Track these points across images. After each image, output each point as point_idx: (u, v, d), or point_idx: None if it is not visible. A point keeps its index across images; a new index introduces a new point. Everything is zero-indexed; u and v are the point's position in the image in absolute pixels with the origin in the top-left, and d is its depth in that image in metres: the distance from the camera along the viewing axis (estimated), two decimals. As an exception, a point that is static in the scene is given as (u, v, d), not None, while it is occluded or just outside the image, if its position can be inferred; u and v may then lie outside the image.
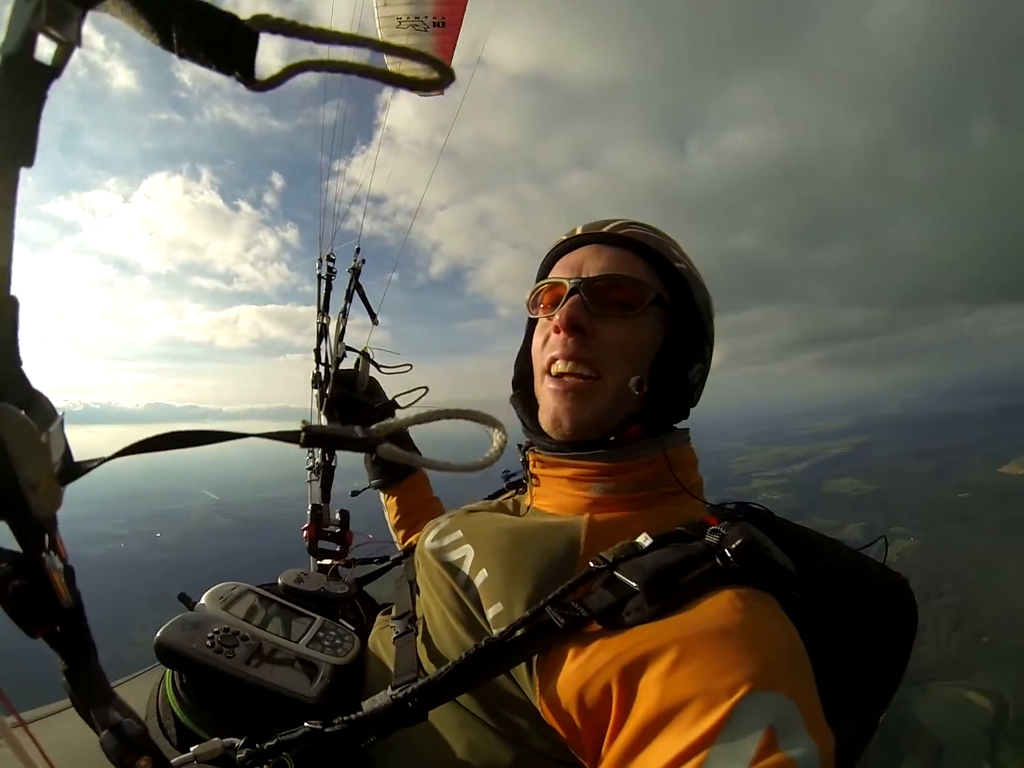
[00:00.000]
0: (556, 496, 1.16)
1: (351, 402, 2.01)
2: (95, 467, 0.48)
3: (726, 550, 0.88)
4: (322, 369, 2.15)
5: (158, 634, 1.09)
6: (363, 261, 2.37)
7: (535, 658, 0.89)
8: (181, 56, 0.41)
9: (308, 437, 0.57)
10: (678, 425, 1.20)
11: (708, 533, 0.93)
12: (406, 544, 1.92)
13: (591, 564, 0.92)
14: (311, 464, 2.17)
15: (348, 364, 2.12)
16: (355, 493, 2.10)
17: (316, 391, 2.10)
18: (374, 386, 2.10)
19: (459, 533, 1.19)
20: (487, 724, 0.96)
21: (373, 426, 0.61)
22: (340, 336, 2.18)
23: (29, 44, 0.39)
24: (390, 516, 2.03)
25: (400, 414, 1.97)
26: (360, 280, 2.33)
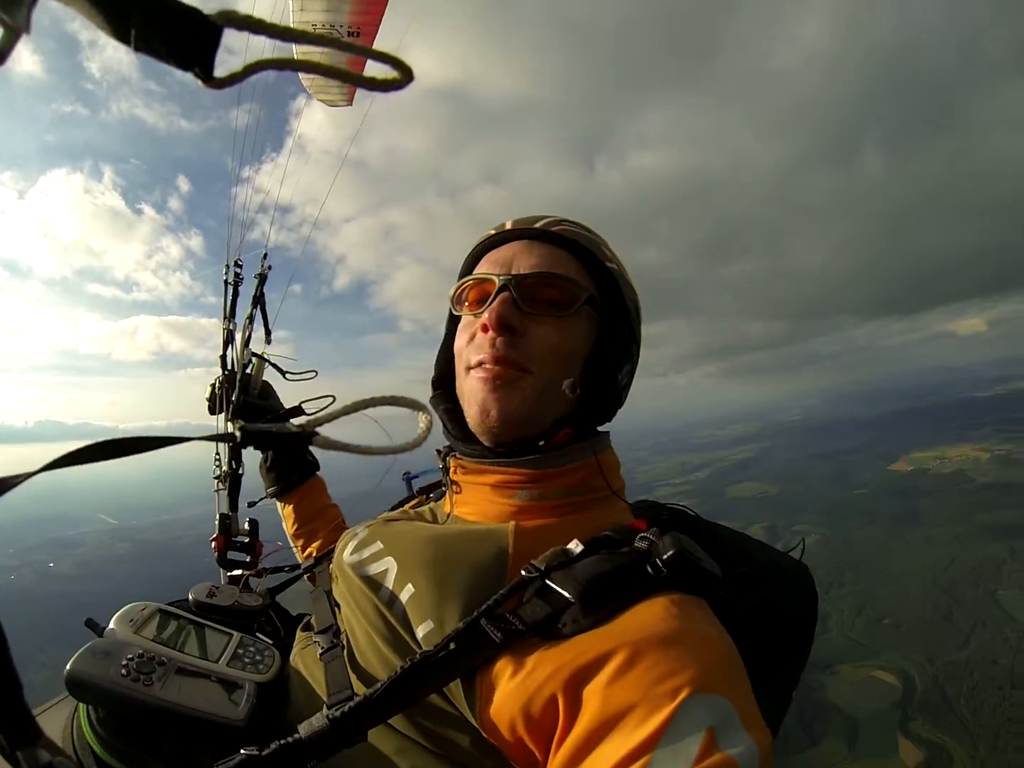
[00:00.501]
0: (479, 504, 1.12)
1: (248, 406, 1.95)
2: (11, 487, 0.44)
3: (658, 560, 0.88)
4: (222, 375, 2.07)
5: (68, 666, 0.99)
6: (270, 268, 2.34)
7: (473, 675, 0.86)
8: (138, 50, 0.38)
9: (245, 435, 0.55)
10: (602, 428, 1.18)
11: (638, 539, 0.94)
12: (307, 554, 1.88)
13: (523, 573, 0.90)
14: (217, 473, 2.08)
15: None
16: (252, 504, 2.03)
17: (218, 394, 2.02)
18: (267, 390, 2.05)
19: (379, 544, 1.12)
20: (427, 748, 0.92)
21: (304, 418, 0.60)
22: (246, 342, 2.14)
23: None
24: (287, 525, 1.97)
25: (309, 408, 1.94)
26: (264, 291, 2.29)
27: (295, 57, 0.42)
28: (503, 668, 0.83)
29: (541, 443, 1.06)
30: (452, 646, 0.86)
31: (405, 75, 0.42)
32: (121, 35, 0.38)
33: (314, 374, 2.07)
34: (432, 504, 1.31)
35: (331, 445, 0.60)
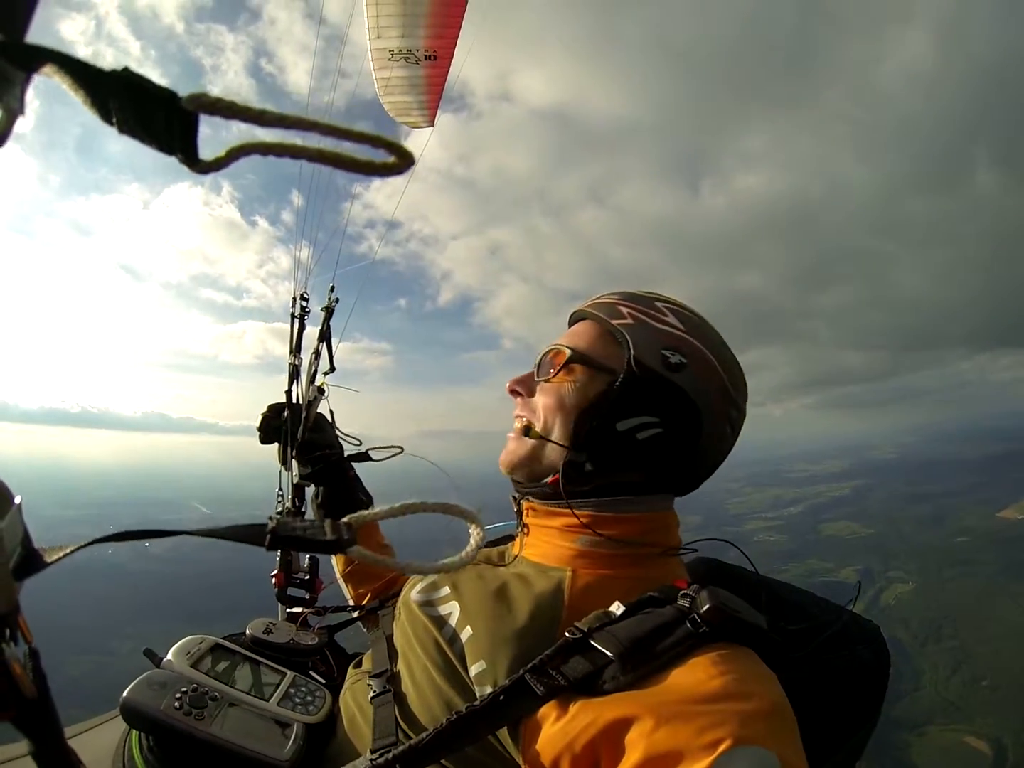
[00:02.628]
0: (543, 546, 1.23)
1: (304, 444, 1.98)
2: (60, 559, 0.46)
3: (696, 615, 0.93)
4: (275, 411, 2.09)
5: (124, 693, 1.06)
6: (336, 300, 2.34)
7: (517, 723, 0.92)
8: (121, 132, 0.39)
9: (273, 539, 0.53)
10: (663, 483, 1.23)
11: (679, 597, 0.99)
12: (358, 594, 1.90)
13: (567, 634, 0.97)
14: (280, 510, 2.11)
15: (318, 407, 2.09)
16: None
17: (284, 428, 2.03)
18: (321, 423, 2.08)
19: (447, 589, 1.23)
20: None
21: (345, 519, 0.57)
22: (312, 378, 2.15)
23: None
24: (338, 565, 1.98)
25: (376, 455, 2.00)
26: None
27: (288, 141, 0.40)
28: (546, 714, 0.89)
29: (547, 480, 1.22)
30: (499, 699, 0.92)
31: (404, 160, 0.41)
32: (105, 118, 0.38)
33: (399, 450, 2.00)
34: (502, 547, 1.42)
35: (367, 557, 0.58)
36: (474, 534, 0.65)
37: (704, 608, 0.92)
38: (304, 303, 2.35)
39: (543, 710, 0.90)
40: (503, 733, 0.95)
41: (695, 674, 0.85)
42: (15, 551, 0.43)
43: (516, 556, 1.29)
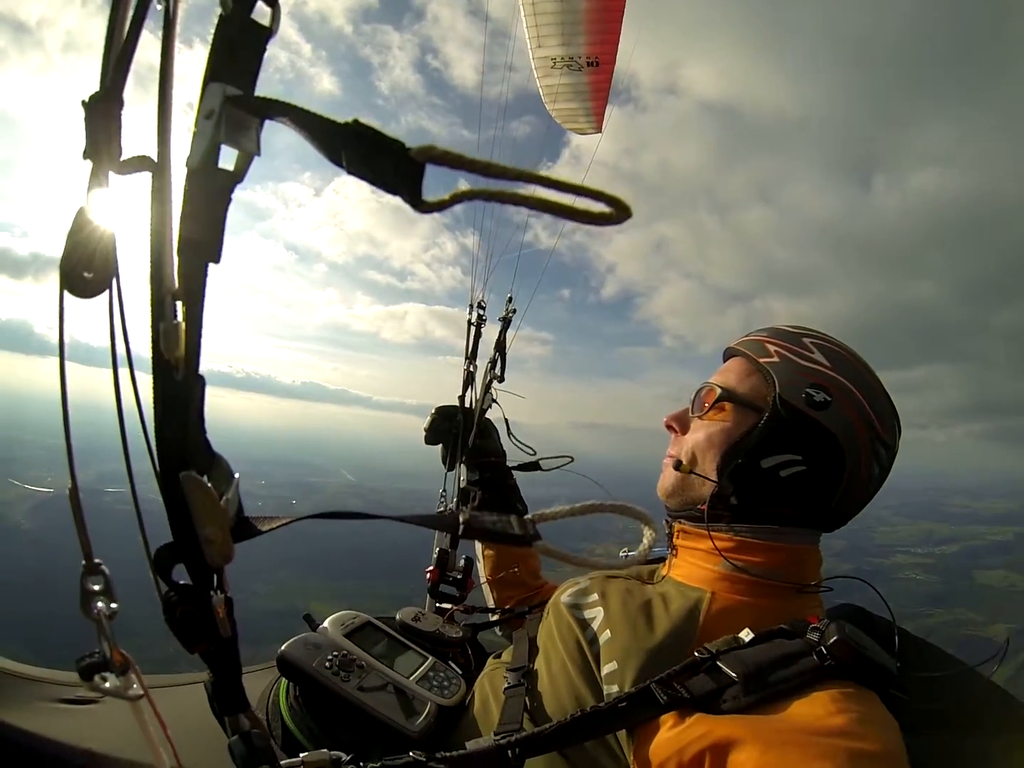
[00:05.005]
0: (688, 567, 1.28)
1: (473, 450, 2.07)
2: (270, 530, 0.54)
3: (822, 647, 0.94)
4: (447, 415, 2.15)
5: (282, 648, 1.21)
6: (514, 311, 2.38)
7: (635, 727, 0.97)
8: (349, 173, 0.43)
9: (467, 529, 0.60)
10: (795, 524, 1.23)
11: (809, 631, 1.00)
12: (502, 598, 1.98)
13: (696, 654, 1.01)
14: (443, 510, 2.17)
15: (490, 413, 2.16)
16: (455, 542, 2.08)
17: (453, 432, 2.11)
18: (487, 428, 2.15)
19: (595, 596, 1.30)
20: None
21: (528, 516, 0.63)
22: (487, 386, 2.21)
23: (212, 157, 0.45)
24: (485, 568, 2.05)
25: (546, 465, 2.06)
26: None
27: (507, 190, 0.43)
28: (666, 719, 0.93)
29: (699, 507, 1.27)
30: (623, 704, 0.96)
31: (622, 212, 0.42)
32: (335, 160, 0.43)
33: (570, 459, 2.01)
34: (654, 567, 1.47)
35: (550, 552, 0.63)
36: (647, 535, 0.68)
37: (831, 641, 0.93)
38: (481, 311, 2.42)
39: (663, 717, 0.94)
40: (621, 733, 1.00)
41: (814, 708, 0.86)
42: (233, 518, 0.51)
43: (663, 576, 1.35)
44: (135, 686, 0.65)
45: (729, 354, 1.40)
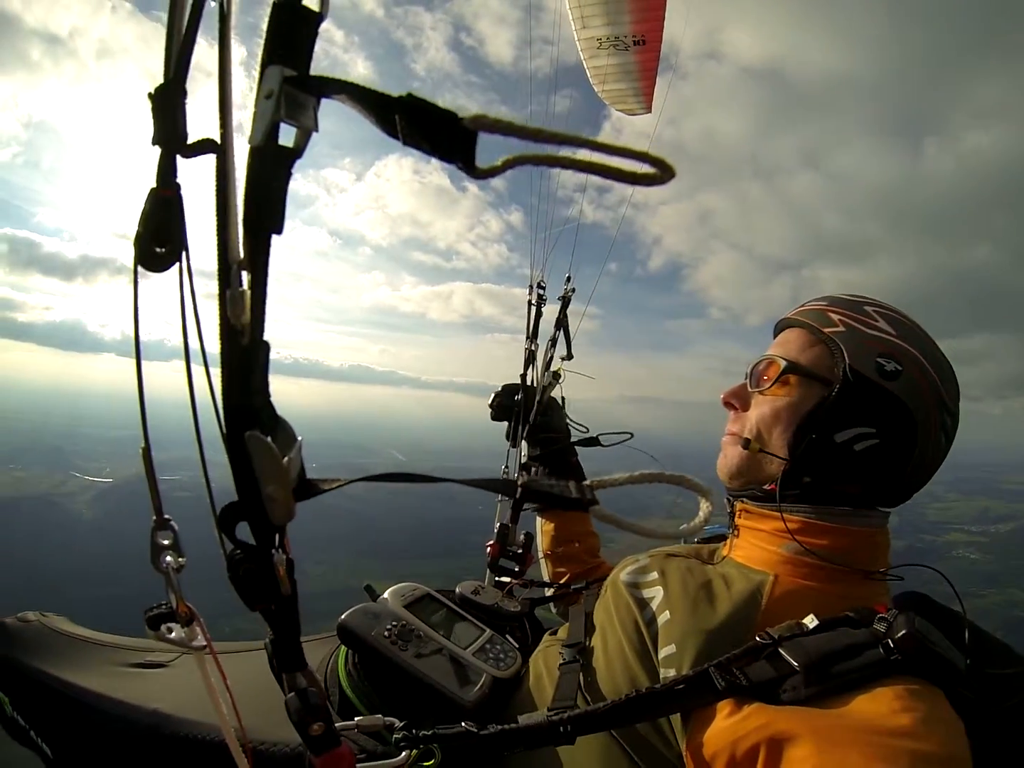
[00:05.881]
0: (751, 548, 1.24)
1: (535, 426, 2.11)
2: (326, 491, 0.57)
3: (890, 640, 0.90)
4: (508, 393, 2.22)
5: (343, 616, 1.26)
6: (573, 291, 2.40)
7: (691, 711, 0.95)
8: (405, 144, 0.46)
9: (525, 492, 0.63)
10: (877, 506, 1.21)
11: (876, 621, 0.96)
12: (558, 573, 2.00)
13: (758, 638, 0.98)
14: None
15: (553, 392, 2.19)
16: (520, 512, 2.10)
17: (516, 410, 2.16)
18: (552, 406, 2.19)
19: (655, 574, 1.28)
20: (630, 757, 1.03)
21: (586, 481, 0.64)
22: (547, 364, 2.25)
23: (272, 135, 0.47)
24: (544, 542, 2.07)
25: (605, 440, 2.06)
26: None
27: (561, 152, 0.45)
28: (722, 707, 0.91)
29: (764, 488, 1.23)
30: (680, 686, 0.95)
31: (665, 173, 0.43)
32: (391, 133, 0.46)
33: (629, 436, 2.00)
34: (712, 545, 1.43)
35: (605, 518, 0.65)
36: (703, 508, 0.69)
37: (899, 635, 0.89)
38: (541, 291, 2.45)
39: (719, 704, 0.92)
40: (675, 717, 0.98)
41: (877, 705, 0.83)
42: (295, 478, 0.54)
43: (724, 557, 1.32)
44: (199, 638, 0.70)
45: (784, 325, 1.34)
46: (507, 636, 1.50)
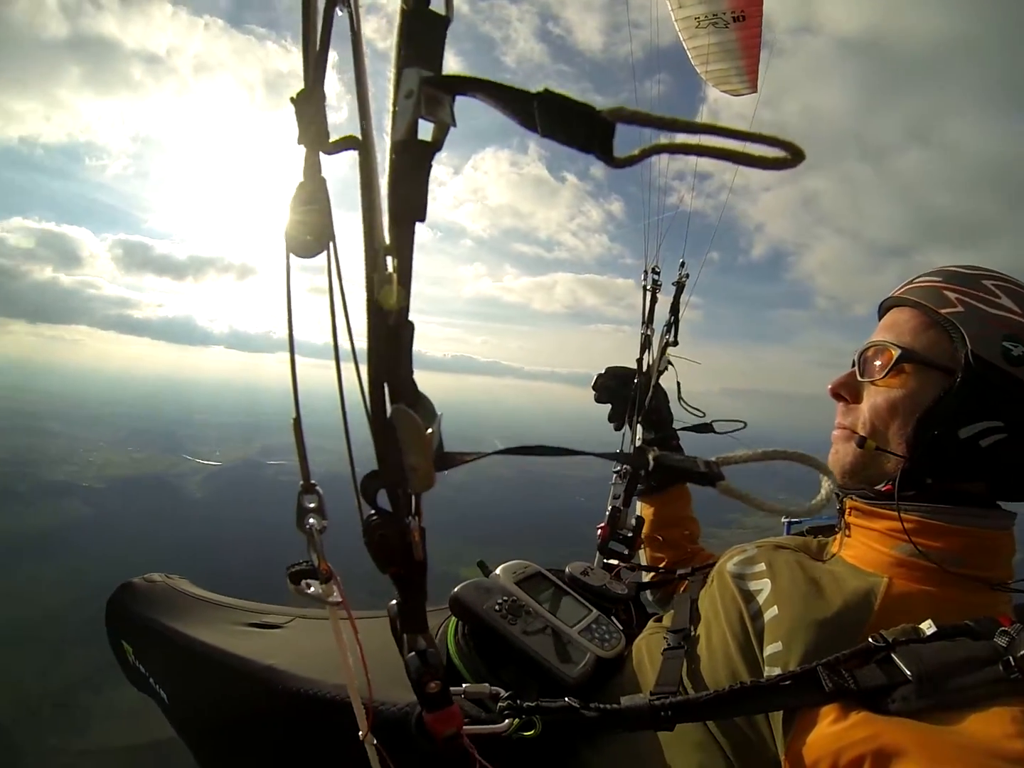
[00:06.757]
0: (862, 548, 1.18)
1: (648, 411, 2.12)
2: (468, 461, 0.61)
3: (1011, 658, 0.82)
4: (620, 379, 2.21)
5: (456, 589, 1.32)
6: (687, 276, 2.39)
7: (795, 710, 0.92)
8: (543, 136, 0.48)
9: (656, 464, 0.65)
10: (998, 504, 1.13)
11: (997, 634, 0.87)
12: (656, 558, 2.01)
13: (870, 640, 0.92)
14: (618, 468, 2.20)
15: (665, 378, 2.22)
16: (627, 500, 2.11)
17: (632, 396, 2.17)
18: (657, 392, 2.18)
19: (762, 566, 1.24)
20: (724, 753, 1.00)
21: (713, 458, 0.65)
22: (663, 349, 2.26)
23: (413, 130, 0.51)
24: (644, 527, 2.06)
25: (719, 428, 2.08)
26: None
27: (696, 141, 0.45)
28: (827, 712, 0.87)
29: (880, 487, 1.17)
30: (785, 682, 0.92)
31: (796, 157, 0.43)
32: (528, 126, 0.48)
33: (743, 425, 2.00)
34: (821, 539, 1.38)
35: (732, 493, 0.66)
36: (824, 486, 0.68)
37: (1022, 653, 0.82)
38: (656, 276, 2.45)
39: (823, 709, 0.88)
40: (776, 716, 0.95)
41: (991, 726, 0.77)
42: (436, 450, 0.57)
43: (833, 555, 1.25)
44: (335, 595, 0.76)
45: (891, 305, 1.24)
46: (612, 618, 1.52)
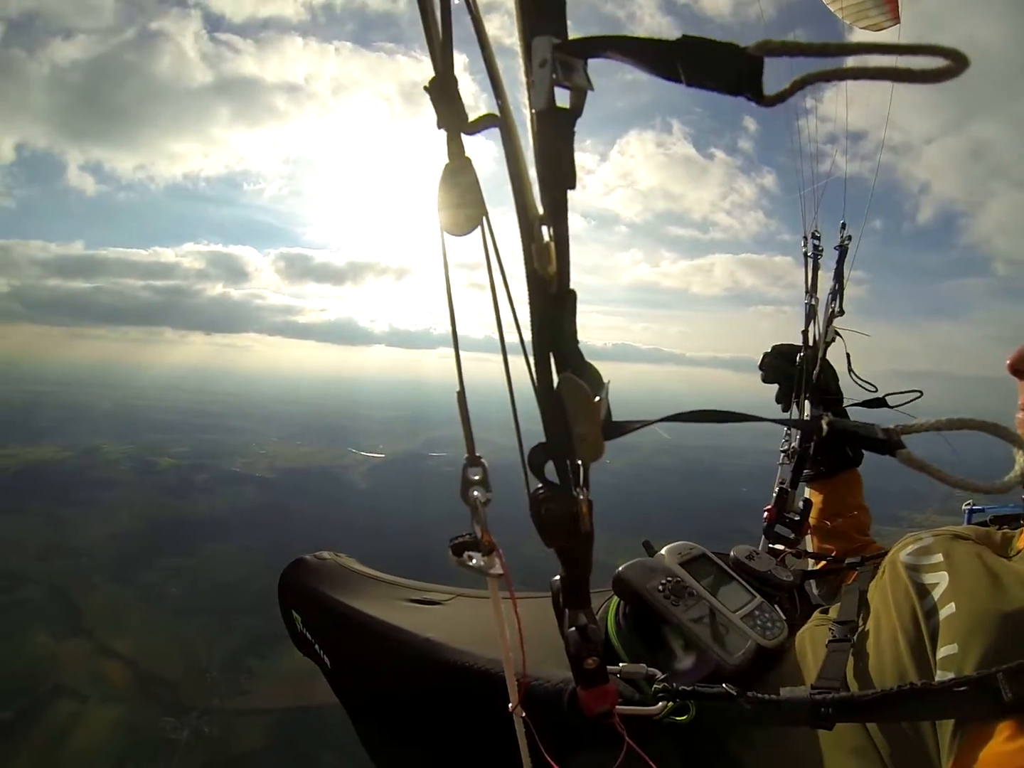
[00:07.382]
0: None
1: (815, 386, 1.99)
2: (635, 429, 0.60)
3: None
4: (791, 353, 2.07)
5: (620, 568, 1.33)
6: (848, 238, 2.24)
7: (967, 720, 0.82)
8: (688, 85, 0.46)
9: (830, 429, 0.61)
10: None
11: None
12: (823, 547, 1.90)
13: None
14: (785, 447, 2.09)
15: (833, 349, 2.09)
16: (795, 481, 2.01)
17: (799, 368, 2.04)
18: (824, 364, 2.05)
19: (940, 557, 1.12)
20: (883, 763, 0.93)
21: (893, 426, 0.62)
22: (830, 319, 2.13)
23: (551, 99, 0.50)
24: (812, 512, 1.97)
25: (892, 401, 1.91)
26: (843, 264, 2.22)
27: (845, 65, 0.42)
28: (1004, 727, 0.77)
29: None
30: (959, 688, 0.83)
31: (958, 63, 0.40)
32: (670, 77, 0.46)
33: (919, 394, 1.84)
34: (1006, 531, 1.25)
35: (914, 463, 0.60)
36: (1020, 460, 0.60)
37: None
38: (816, 241, 2.30)
39: (1000, 725, 0.78)
40: (945, 725, 0.85)
41: None
42: (604, 419, 0.57)
43: (1020, 551, 1.13)
44: (496, 567, 0.78)
45: None
46: (775, 606, 1.46)
